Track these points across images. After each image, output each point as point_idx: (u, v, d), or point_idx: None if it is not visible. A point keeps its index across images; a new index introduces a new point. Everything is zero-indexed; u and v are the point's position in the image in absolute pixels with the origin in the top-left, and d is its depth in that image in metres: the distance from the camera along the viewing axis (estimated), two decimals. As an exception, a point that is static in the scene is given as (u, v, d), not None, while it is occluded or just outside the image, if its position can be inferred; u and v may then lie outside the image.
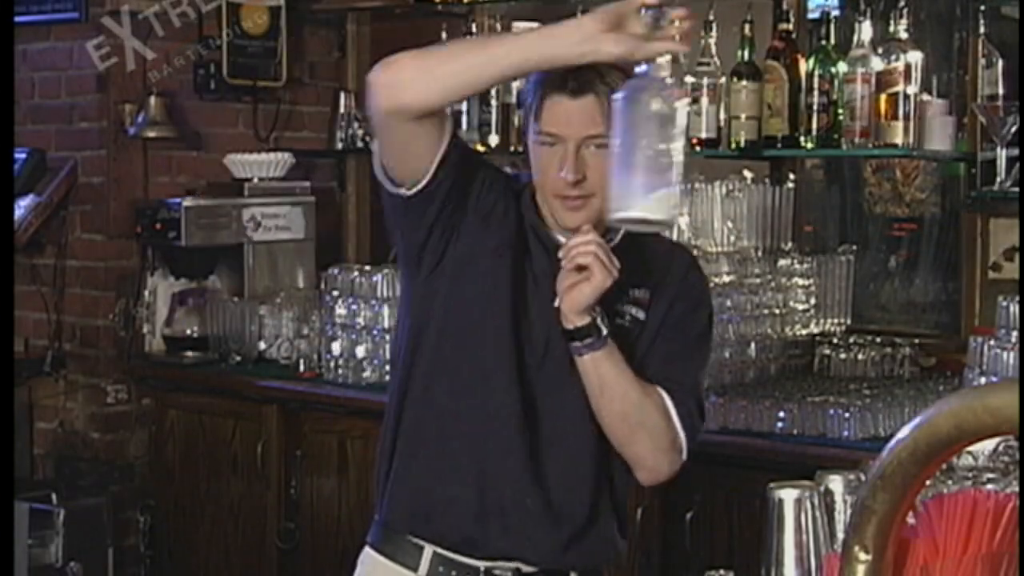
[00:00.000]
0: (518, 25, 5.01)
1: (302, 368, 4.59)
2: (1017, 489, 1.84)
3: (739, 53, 4.10)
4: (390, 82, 2.29)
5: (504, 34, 2.42)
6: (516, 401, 2.44)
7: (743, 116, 4.06)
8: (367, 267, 4.47)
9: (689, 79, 4.14)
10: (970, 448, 1.98)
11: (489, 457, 2.45)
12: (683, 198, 4.26)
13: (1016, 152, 3.71)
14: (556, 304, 2.38)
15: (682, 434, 2.45)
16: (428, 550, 2.47)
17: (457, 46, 2.46)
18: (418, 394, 2.49)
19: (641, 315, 2.47)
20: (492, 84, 2.49)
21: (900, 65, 3.84)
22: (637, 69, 2.24)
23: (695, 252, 4.07)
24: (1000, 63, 3.89)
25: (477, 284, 2.45)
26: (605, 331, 2.37)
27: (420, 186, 2.39)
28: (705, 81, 4.11)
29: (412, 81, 2.27)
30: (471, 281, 2.45)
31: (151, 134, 4.89)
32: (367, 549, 2.58)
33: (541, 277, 2.45)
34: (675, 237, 4.22)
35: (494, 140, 4.57)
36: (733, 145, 4.10)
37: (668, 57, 2.26)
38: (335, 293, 4.43)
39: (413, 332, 2.51)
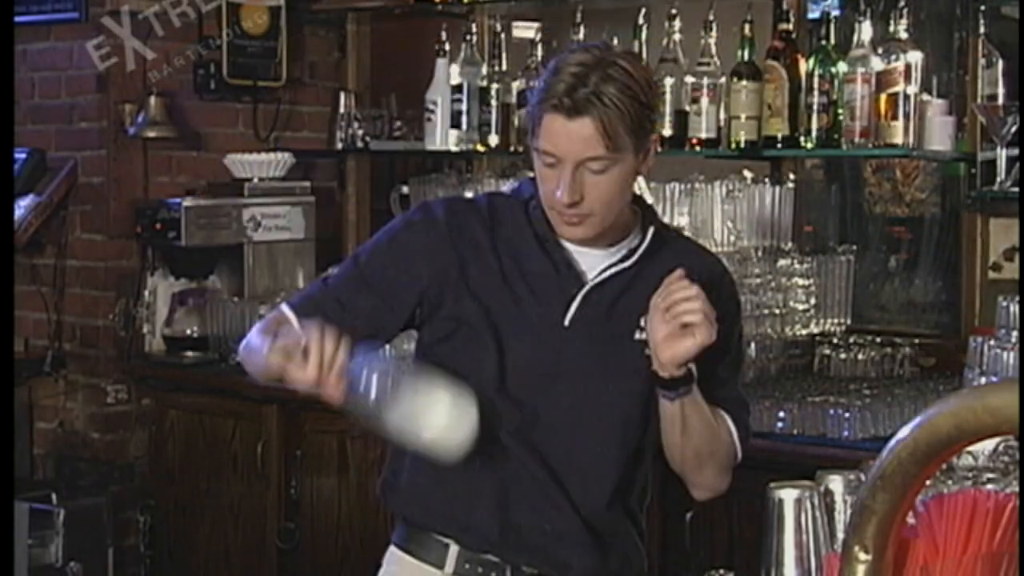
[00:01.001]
0: (518, 25, 5.03)
1: (302, 368, 4.58)
2: (1017, 489, 1.84)
3: (739, 53, 4.10)
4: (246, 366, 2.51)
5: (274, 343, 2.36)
6: (523, 426, 2.42)
7: (743, 116, 4.06)
8: (367, 267, 4.47)
9: (689, 79, 4.14)
10: (970, 448, 1.98)
11: (507, 481, 2.43)
12: (683, 198, 4.26)
13: (1016, 152, 3.71)
14: (570, 319, 2.40)
15: (740, 451, 2.53)
16: (454, 548, 2.46)
17: (251, 349, 2.44)
18: None
19: None
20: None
21: (900, 65, 3.84)
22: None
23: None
24: (1000, 63, 3.88)
25: (456, 332, 2.45)
26: (695, 376, 2.38)
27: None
28: (705, 81, 4.11)
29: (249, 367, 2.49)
30: (452, 331, 2.46)
31: (151, 134, 4.89)
32: (392, 548, 2.55)
33: (541, 291, 2.43)
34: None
35: (494, 140, 4.57)
36: (733, 145, 4.10)
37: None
38: (335, 293, 4.42)
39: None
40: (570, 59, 2.34)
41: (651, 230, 2.47)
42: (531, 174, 2.48)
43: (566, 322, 2.42)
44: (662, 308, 2.29)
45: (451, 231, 2.45)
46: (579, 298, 2.42)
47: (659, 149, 2.52)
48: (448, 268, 2.43)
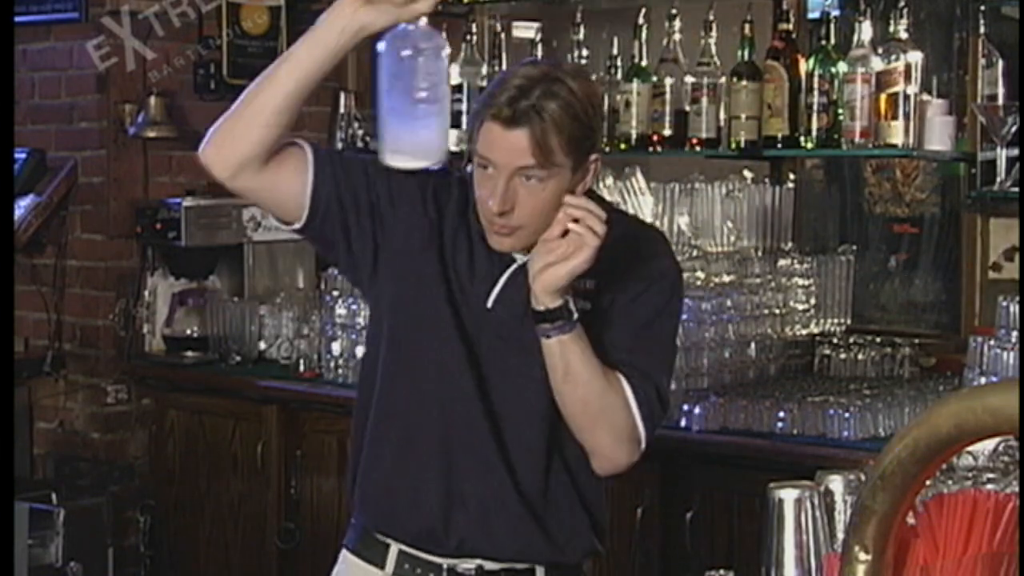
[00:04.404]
0: (518, 25, 5.03)
1: (302, 368, 4.59)
2: (1017, 489, 1.84)
3: (739, 53, 4.09)
4: (212, 154, 2.38)
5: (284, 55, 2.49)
6: (472, 391, 2.44)
7: (743, 116, 4.06)
8: (367, 267, 4.47)
9: (689, 79, 4.14)
10: (970, 448, 1.98)
11: (451, 449, 2.46)
12: (683, 198, 4.27)
13: (1016, 152, 3.71)
14: (494, 299, 2.41)
15: (641, 425, 2.42)
16: (394, 548, 2.50)
17: (249, 88, 2.41)
18: (382, 393, 2.50)
19: (588, 306, 2.43)
20: (291, 103, 2.39)
21: (900, 65, 3.84)
22: (400, 27, 2.35)
23: (695, 252, 4.10)
24: (1000, 63, 3.88)
25: (412, 279, 2.46)
26: (575, 314, 2.34)
27: (307, 214, 2.42)
28: (705, 81, 4.11)
29: (227, 140, 2.37)
30: (406, 277, 2.46)
31: (151, 134, 4.89)
32: (343, 551, 2.63)
33: (478, 260, 2.45)
34: (674, 237, 4.23)
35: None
36: (733, 145, 4.09)
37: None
38: (335, 293, 4.43)
39: (374, 334, 2.55)
40: (518, 71, 2.39)
41: None
42: None
43: (488, 304, 2.44)
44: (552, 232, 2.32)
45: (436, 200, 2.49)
46: (505, 276, 2.43)
47: (599, 169, 2.49)
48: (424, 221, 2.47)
